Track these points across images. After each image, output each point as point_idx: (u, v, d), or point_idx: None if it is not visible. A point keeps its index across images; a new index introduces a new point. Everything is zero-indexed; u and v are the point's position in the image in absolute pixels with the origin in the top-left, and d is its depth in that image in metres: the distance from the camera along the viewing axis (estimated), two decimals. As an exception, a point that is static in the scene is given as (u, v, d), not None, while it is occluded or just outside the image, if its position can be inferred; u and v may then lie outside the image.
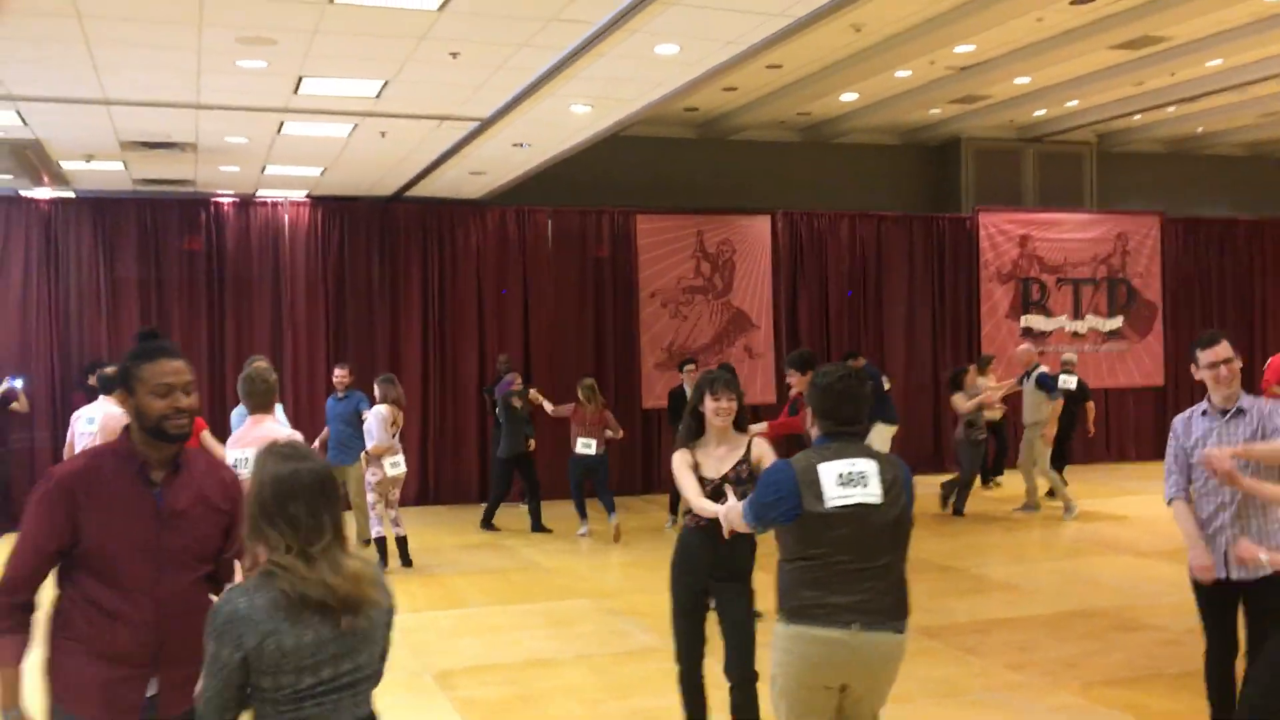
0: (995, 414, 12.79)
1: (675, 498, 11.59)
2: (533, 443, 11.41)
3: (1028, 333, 15.64)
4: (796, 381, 7.73)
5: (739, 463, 4.62)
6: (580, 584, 9.09)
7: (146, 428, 2.92)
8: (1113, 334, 16.11)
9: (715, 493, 4.53)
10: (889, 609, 3.53)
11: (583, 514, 11.14)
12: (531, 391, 11.60)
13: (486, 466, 13.77)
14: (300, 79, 8.14)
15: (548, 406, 11.41)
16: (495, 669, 6.71)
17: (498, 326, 13.94)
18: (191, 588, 2.95)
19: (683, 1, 6.51)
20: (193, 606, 2.88)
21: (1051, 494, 11.94)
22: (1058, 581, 8.78)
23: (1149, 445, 15.51)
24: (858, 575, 3.49)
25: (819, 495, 3.48)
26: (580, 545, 10.81)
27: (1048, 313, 15.87)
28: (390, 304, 13.64)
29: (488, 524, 11.64)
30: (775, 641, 3.63)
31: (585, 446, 10.85)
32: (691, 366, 11.88)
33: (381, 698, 6.27)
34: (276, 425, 5.73)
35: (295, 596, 2.48)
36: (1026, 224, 15.83)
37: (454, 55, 7.52)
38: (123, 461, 2.93)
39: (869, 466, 3.53)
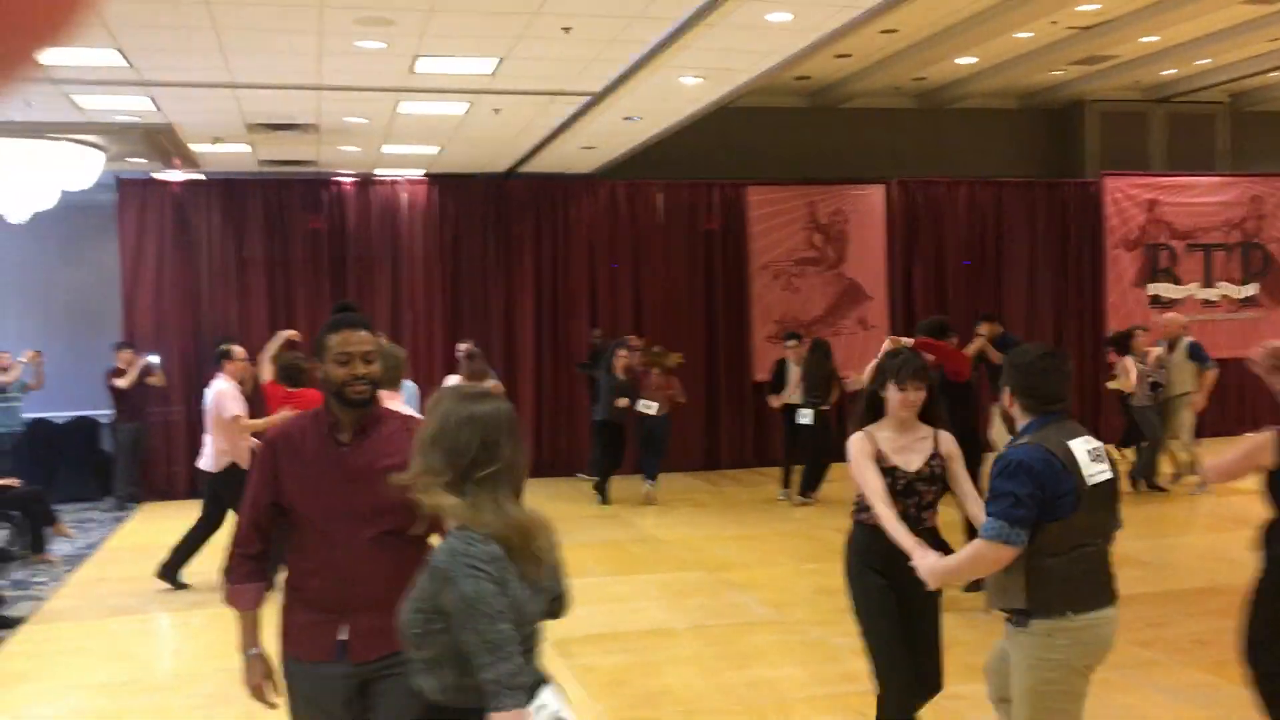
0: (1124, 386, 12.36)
1: (789, 470, 11.52)
2: (624, 401, 11.49)
3: (1155, 301, 15.08)
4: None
5: (931, 456, 4.20)
6: (695, 556, 9.13)
7: (332, 393, 3.14)
8: (1247, 301, 15.43)
9: (908, 490, 4.15)
10: (1112, 581, 3.59)
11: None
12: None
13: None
14: (416, 58, 8.28)
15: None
16: (613, 638, 6.80)
17: (610, 300, 14.03)
18: (377, 541, 3.09)
19: (796, -33, 6.43)
20: (380, 559, 3.07)
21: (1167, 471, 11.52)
22: (1192, 557, 8.51)
23: (1247, 417, 14.84)
24: (1103, 552, 3.56)
25: (1083, 475, 3.37)
26: (695, 518, 10.84)
27: (1176, 280, 15.26)
28: (504, 280, 13.83)
29: (602, 495, 11.73)
30: (1048, 642, 3.39)
31: (646, 407, 11.42)
32: (794, 341, 11.76)
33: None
34: (402, 405, 5.86)
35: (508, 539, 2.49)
36: (1154, 188, 15.23)
37: (566, 30, 7.55)
38: (319, 423, 3.19)
39: (1098, 442, 3.53)
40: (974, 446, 7.08)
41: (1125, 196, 15.13)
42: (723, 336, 14.21)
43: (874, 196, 14.60)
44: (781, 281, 14.41)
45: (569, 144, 11.68)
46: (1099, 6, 11.11)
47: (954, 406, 5.65)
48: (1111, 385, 11.84)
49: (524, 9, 7.14)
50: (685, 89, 9.41)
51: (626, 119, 10.55)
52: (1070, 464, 3.37)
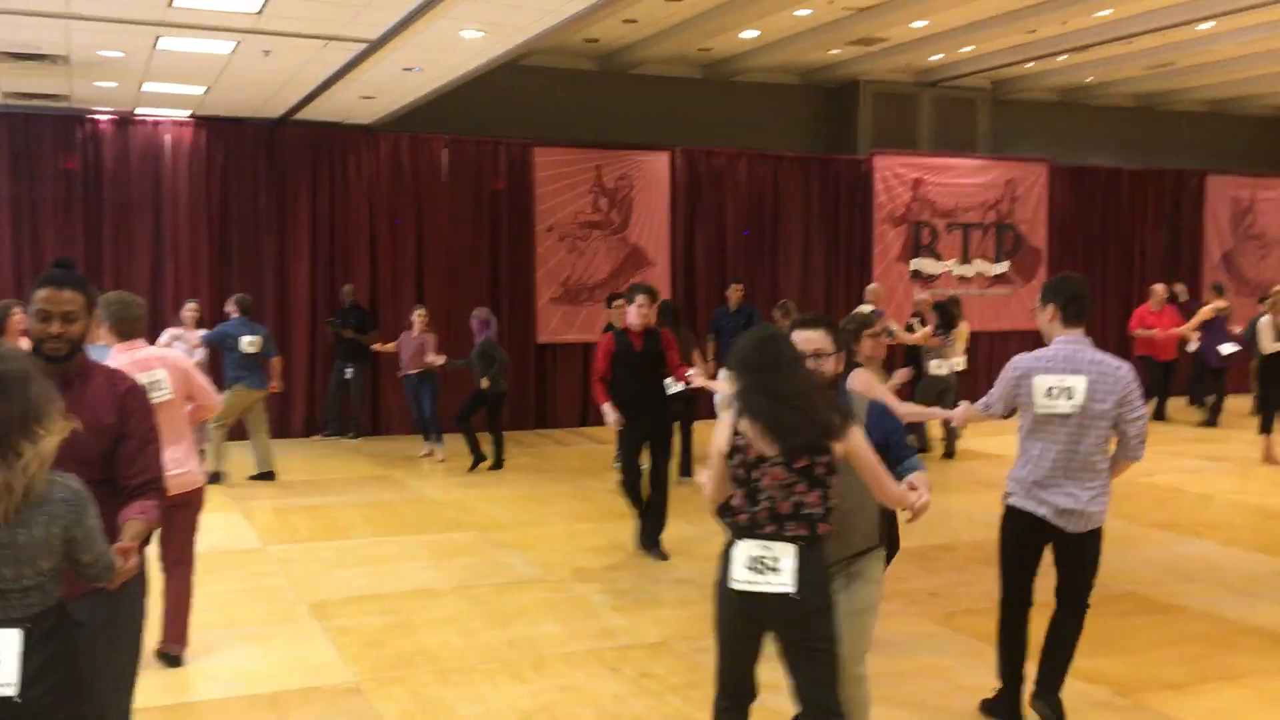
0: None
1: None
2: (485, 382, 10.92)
3: (916, 276, 15.93)
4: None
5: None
6: (467, 517, 9.08)
7: (32, 348, 3.23)
8: (999, 278, 16.51)
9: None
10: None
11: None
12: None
13: (376, 398, 13.63)
14: (176, -9, 7.80)
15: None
16: (373, 599, 6.68)
17: (391, 257, 13.69)
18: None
19: (573, -75, 6.38)
20: None
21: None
22: (931, 516, 8.97)
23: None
24: None
25: None
26: (472, 479, 10.76)
27: (937, 256, 16.18)
28: (278, 231, 13.28)
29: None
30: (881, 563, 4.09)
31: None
32: (620, 301, 11.68)
33: (253, 628, 6.22)
34: (154, 347, 5.60)
35: None
36: (920, 168, 16.06)
37: (338, -28, 7.26)
38: None
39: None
40: None
41: (893, 175, 15.89)
42: (506, 298, 14.11)
43: (659, 163, 14.79)
44: (567, 244, 14.43)
45: (347, 92, 11.28)
46: (872, -11, 11.57)
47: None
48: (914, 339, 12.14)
49: (291, -54, 6.82)
50: (466, 42, 9.23)
51: (407, 70, 10.28)
52: None
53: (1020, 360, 4.57)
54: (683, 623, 6.21)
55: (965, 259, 16.32)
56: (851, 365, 5.35)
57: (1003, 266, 16.52)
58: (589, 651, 5.76)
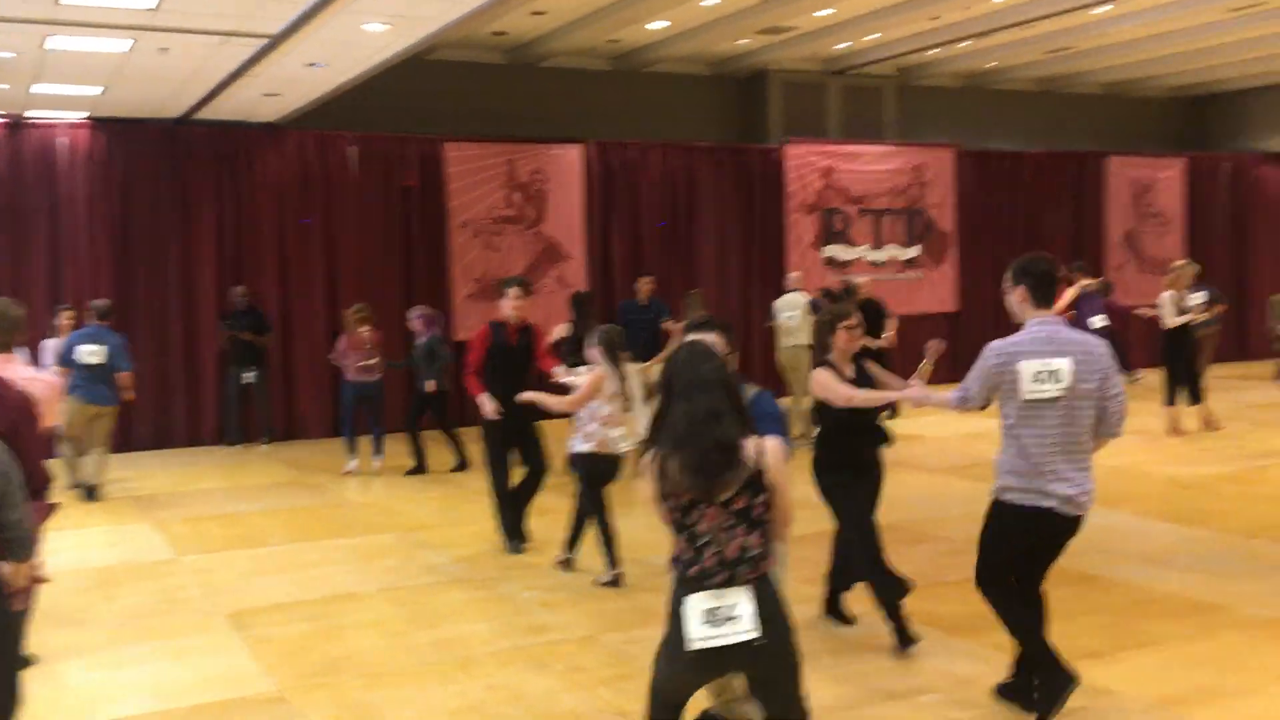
0: None
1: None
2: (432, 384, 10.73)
3: (831, 262, 16.09)
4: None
5: None
6: (390, 519, 8.93)
7: None
8: (910, 262, 16.76)
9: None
10: None
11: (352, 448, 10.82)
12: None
13: (290, 402, 13.35)
14: (64, -14, 7.52)
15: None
16: (294, 606, 6.52)
17: (301, 258, 13.41)
18: None
19: (476, -87, 6.28)
20: None
21: None
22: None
23: (943, 367, 16.23)
24: None
25: None
26: (392, 480, 10.58)
27: (850, 242, 16.36)
28: (182, 233, 12.92)
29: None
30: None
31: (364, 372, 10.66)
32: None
33: (168, 641, 6.03)
34: (26, 368, 5.36)
35: None
36: (830, 156, 16.21)
37: (235, -36, 7.06)
38: None
39: None
40: None
41: (804, 163, 16.02)
42: (421, 296, 13.88)
43: (572, 156, 14.71)
44: (482, 240, 14.28)
45: (249, 90, 11.01)
46: (778, -23, 11.62)
47: None
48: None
49: (184, -62, 6.61)
50: (370, 36, 9.05)
51: (310, 65, 10.05)
52: None
53: (1000, 346, 4.41)
54: (612, 615, 6.18)
55: (877, 244, 16.53)
56: (823, 360, 5.50)
57: (914, 251, 16.77)
58: (517, 648, 5.70)
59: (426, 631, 6.02)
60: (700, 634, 3.18)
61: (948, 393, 4.69)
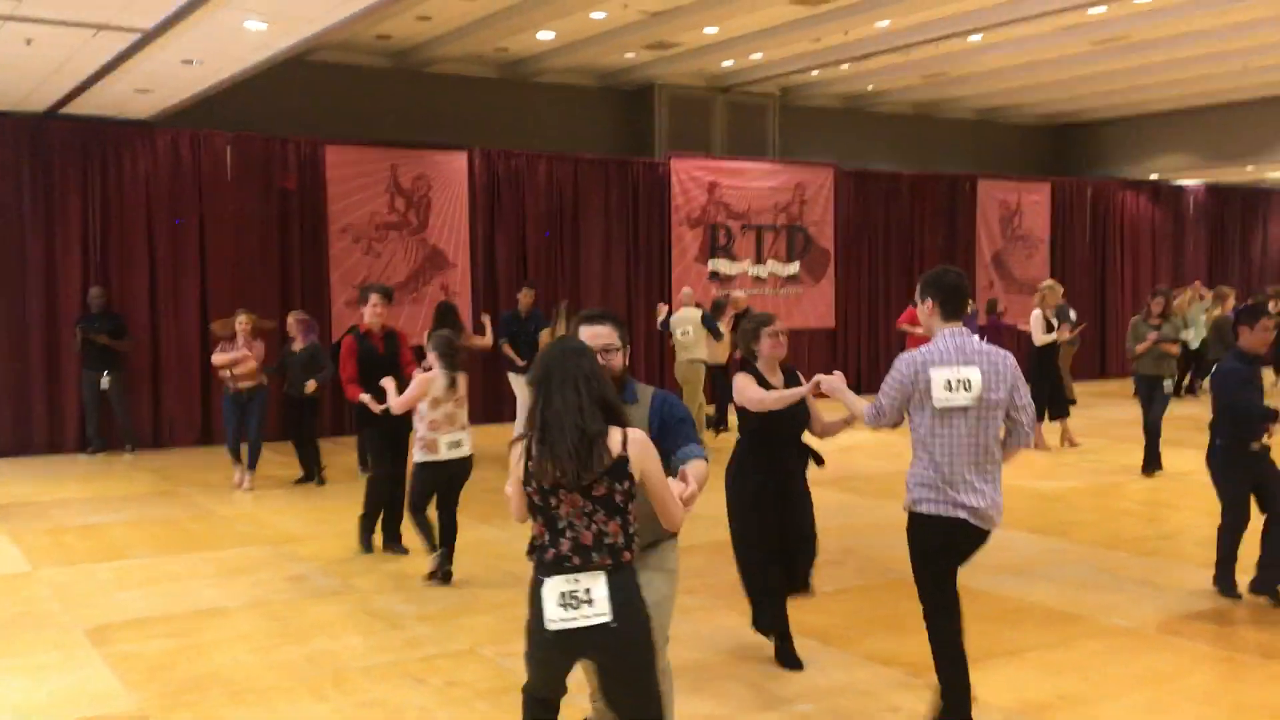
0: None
1: None
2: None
3: (714, 276, 16.29)
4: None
5: None
6: (259, 531, 8.68)
7: None
8: (791, 278, 17.06)
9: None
10: None
11: (237, 457, 10.33)
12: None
13: (158, 408, 12.90)
14: (-80, -31, 7.15)
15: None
16: (158, 621, 6.29)
17: (171, 259, 12.97)
18: None
19: (362, -85, 6.19)
20: None
21: None
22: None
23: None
24: None
25: None
26: (264, 490, 10.30)
27: (733, 257, 16.59)
28: (45, 231, 12.37)
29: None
30: (675, 553, 3.96)
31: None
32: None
33: (22, 658, 5.76)
34: None
35: None
36: (714, 171, 16.42)
37: (106, -46, 6.81)
38: None
39: None
40: None
41: (689, 177, 16.19)
42: (298, 301, 13.57)
43: (457, 163, 14.58)
44: (362, 245, 14.04)
45: (121, 85, 10.63)
46: (665, -7, 11.74)
47: None
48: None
49: (52, -75, 6.35)
50: (249, 34, 8.83)
51: (185, 62, 9.75)
52: None
53: (910, 357, 4.42)
54: (490, 628, 6.12)
55: (759, 259, 16.79)
56: (748, 364, 5.49)
57: (794, 267, 17.08)
58: (393, 663, 5.60)
59: (297, 646, 5.87)
60: (556, 615, 3.30)
61: (860, 401, 4.67)
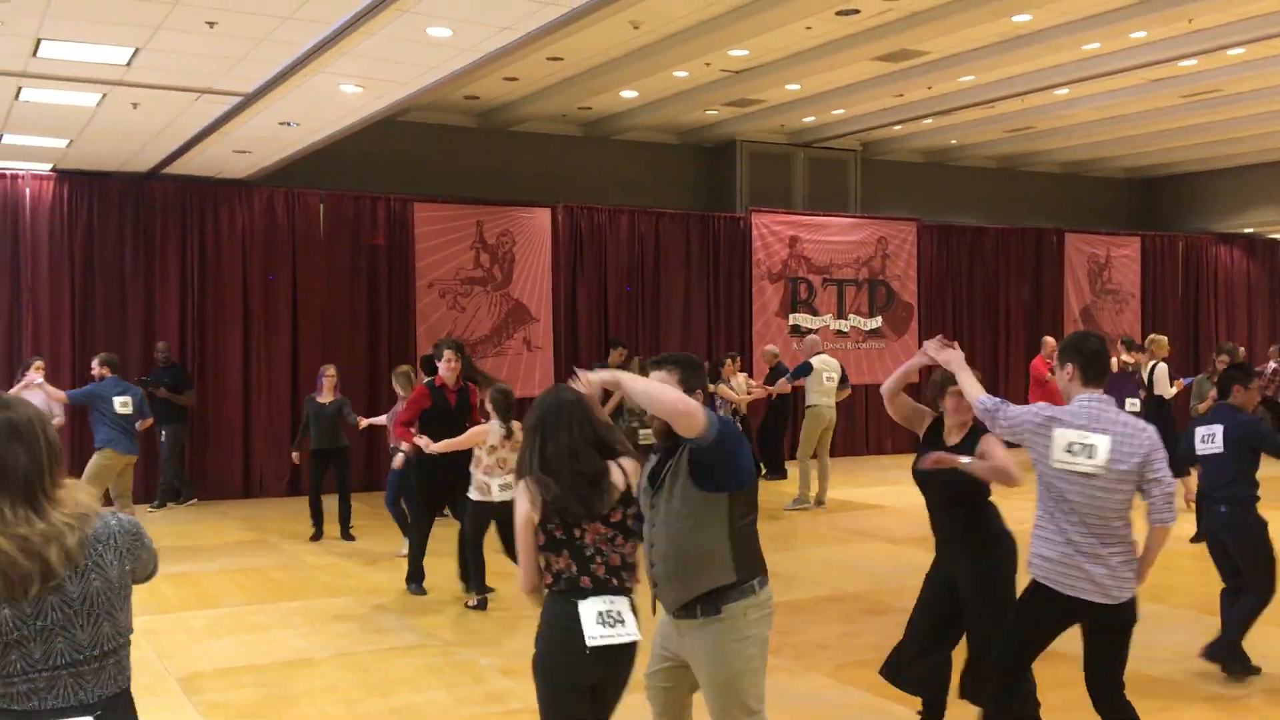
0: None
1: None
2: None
3: (795, 330, 16.24)
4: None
5: None
6: (345, 581, 8.81)
7: None
8: (873, 333, 16.94)
9: None
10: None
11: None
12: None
13: (250, 460, 13.21)
14: (39, 41, 7.53)
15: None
16: (247, 670, 6.40)
17: (263, 314, 13.34)
18: None
19: (455, -17, 6.39)
20: None
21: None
22: (816, 568, 9.14)
23: (904, 438, 16.39)
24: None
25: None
26: (349, 542, 10.45)
27: (814, 311, 16.53)
28: (145, 288, 12.82)
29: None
30: (745, 620, 3.67)
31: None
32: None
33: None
34: None
35: None
36: (795, 225, 16.44)
37: (211, 24, 7.12)
38: None
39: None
40: None
41: (770, 232, 16.22)
42: (386, 354, 13.87)
43: (540, 219, 14.81)
44: (448, 300, 14.29)
45: (220, 146, 11.03)
46: (746, 53, 11.86)
47: None
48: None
49: (162, -3, 6.66)
50: (345, 97, 9.13)
51: (283, 124, 10.10)
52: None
53: (1044, 408, 4.39)
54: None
55: (841, 314, 16.71)
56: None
57: (876, 321, 16.96)
58: (475, 718, 5.61)
59: (382, 699, 5.92)
60: (596, 632, 3.53)
61: (979, 392, 4.55)
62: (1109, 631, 4.32)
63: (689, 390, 3.71)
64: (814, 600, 8.00)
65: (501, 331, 14.52)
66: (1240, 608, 6.19)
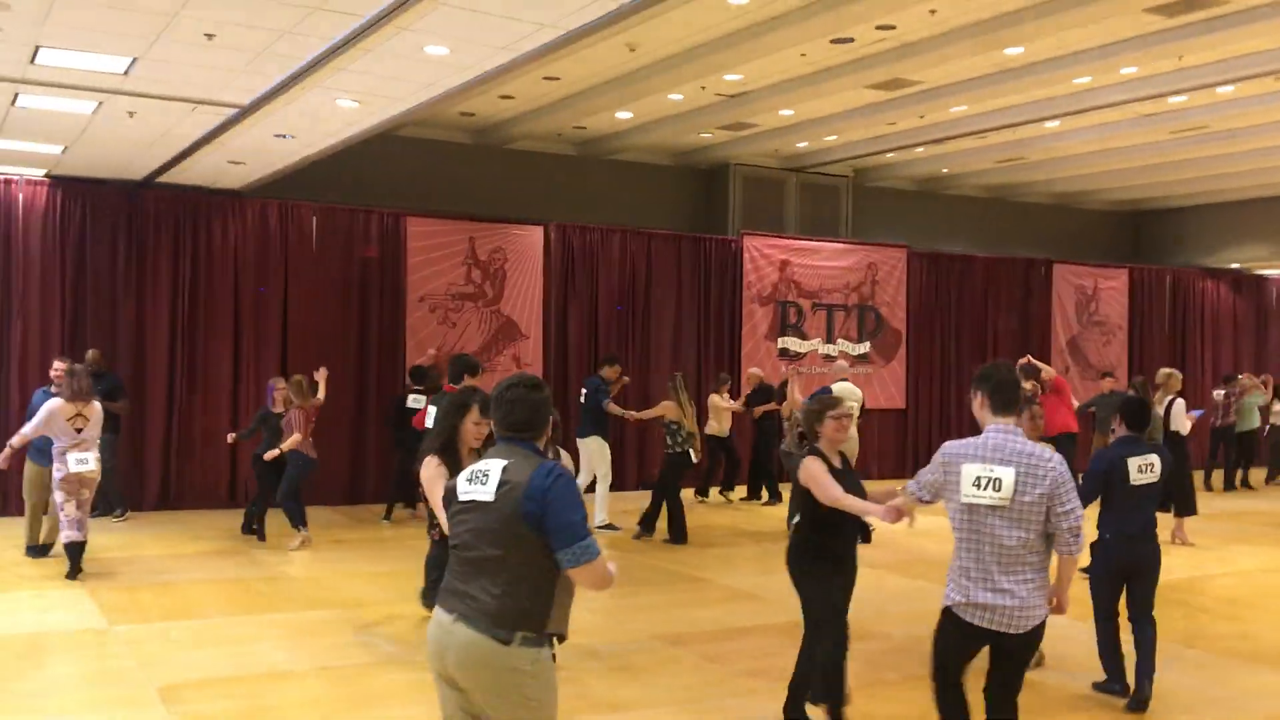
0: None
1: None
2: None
3: (784, 353, 16.31)
4: None
5: None
6: (327, 594, 8.79)
7: None
8: (861, 358, 17.01)
9: None
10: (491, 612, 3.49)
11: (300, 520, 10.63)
12: None
13: (237, 470, 13.18)
14: (37, 48, 7.56)
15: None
16: (227, 682, 6.38)
17: (254, 325, 13.35)
18: None
19: (452, 3, 6.44)
20: None
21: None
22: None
23: (890, 463, 16.48)
24: (474, 566, 3.53)
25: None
26: (331, 553, 10.44)
27: (803, 335, 16.60)
28: (136, 296, 12.81)
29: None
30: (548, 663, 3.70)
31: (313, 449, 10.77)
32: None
33: (100, 714, 5.89)
34: None
35: None
36: (787, 250, 16.52)
37: (209, 36, 7.16)
38: None
39: (494, 466, 3.53)
40: None
41: (761, 255, 16.31)
42: (375, 367, 13.89)
43: (533, 237, 14.87)
44: (439, 315, 14.32)
45: (215, 157, 11.06)
46: (741, 77, 11.96)
47: None
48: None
49: (162, 8, 6.70)
50: (341, 111, 9.18)
51: (278, 136, 10.14)
52: None
53: (950, 447, 4.52)
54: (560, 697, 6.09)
55: (829, 339, 16.78)
56: (813, 448, 5.50)
57: (865, 346, 17.04)
58: (455, 734, 5.60)
59: (362, 713, 5.92)
60: None
61: (909, 484, 4.82)
62: (1012, 655, 4.47)
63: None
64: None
65: (491, 348, 14.54)
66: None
